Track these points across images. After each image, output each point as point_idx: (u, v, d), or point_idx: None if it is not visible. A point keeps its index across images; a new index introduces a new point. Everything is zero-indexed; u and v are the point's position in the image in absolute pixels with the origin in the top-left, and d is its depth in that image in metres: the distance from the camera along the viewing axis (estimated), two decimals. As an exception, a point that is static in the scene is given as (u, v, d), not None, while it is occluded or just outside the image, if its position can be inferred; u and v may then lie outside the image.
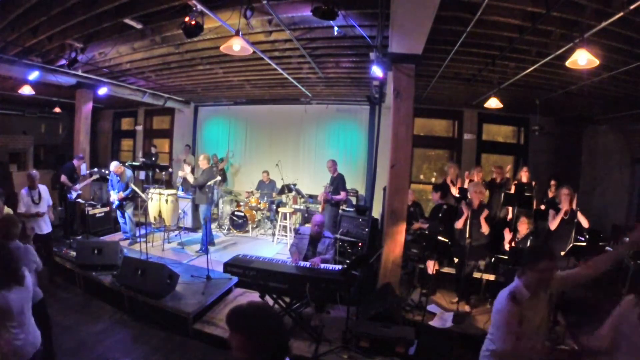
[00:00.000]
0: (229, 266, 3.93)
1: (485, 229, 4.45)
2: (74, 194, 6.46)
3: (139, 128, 11.14)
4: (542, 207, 5.40)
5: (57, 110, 8.83)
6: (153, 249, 6.05)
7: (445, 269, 5.03)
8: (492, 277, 4.79)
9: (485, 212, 4.47)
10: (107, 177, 6.76)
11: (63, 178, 6.55)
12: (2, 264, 2.10)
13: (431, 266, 4.73)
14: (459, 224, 4.66)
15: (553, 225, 4.45)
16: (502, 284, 4.58)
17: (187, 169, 6.43)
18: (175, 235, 7.01)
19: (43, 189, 4.90)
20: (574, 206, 4.39)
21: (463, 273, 4.64)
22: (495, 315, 2.13)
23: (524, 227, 4.58)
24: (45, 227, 4.87)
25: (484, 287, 4.92)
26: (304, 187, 7.87)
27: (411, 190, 6.15)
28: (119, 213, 6.56)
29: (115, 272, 4.76)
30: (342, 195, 6.26)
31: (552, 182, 5.71)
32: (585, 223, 4.35)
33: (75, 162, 6.86)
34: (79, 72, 6.45)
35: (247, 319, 1.35)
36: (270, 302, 3.95)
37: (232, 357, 1.31)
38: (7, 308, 2.03)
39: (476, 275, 4.76)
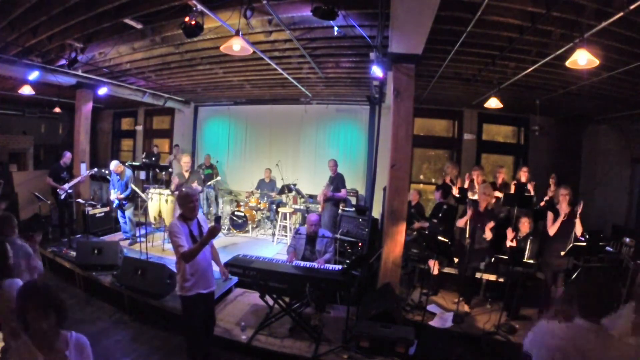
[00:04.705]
0: (229, 266, 3.92)
1: (488, 235, 4.45)
2: (62, 194, 6.45)
3: (139, 128, 11.13)
4: (540, 204, 5.38)
5: (57, 110, 8.79)
6: (153, 249, 6.05)
7: (446, 269, 5.03)
8: (492, 277, 4.79)
9: (491, 224, 4.45)
10: (107, 177, 6.76)
11: (48, 180, 6.59)
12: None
13: (433, 266, 4.73)
14: (460, 223, 4.66)
15: (552, 230, 4.37)
16: (502, 284, 4.60)
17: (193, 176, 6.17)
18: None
19: (203, 219, 3.26)
20: (576, 209, 4.33)
21: (464, 273, 4.64)
22: None
23: (525, 226, 4.58)
24: (212, 279, 3.22)
25: (484, 287, 4.92)
26: (304, 187, 7.87)
27: (417, 190, 6.15)
28: (119, 213, 6.55)
29: (115, 272, 4.77)
30: (343, 192, 6.28)
31: (552, 180, 5.59)
32: (579, 230, 4.26)
33: (62, 162, 6.80)
34: (79, 72, 6.45)
35: None
36: (271, 302, 3.96)
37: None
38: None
39: (476, 275, 4.76)
